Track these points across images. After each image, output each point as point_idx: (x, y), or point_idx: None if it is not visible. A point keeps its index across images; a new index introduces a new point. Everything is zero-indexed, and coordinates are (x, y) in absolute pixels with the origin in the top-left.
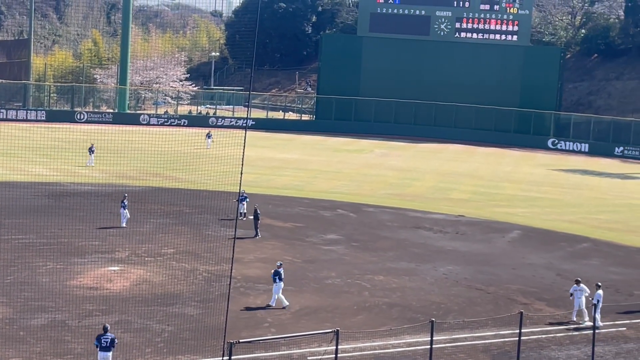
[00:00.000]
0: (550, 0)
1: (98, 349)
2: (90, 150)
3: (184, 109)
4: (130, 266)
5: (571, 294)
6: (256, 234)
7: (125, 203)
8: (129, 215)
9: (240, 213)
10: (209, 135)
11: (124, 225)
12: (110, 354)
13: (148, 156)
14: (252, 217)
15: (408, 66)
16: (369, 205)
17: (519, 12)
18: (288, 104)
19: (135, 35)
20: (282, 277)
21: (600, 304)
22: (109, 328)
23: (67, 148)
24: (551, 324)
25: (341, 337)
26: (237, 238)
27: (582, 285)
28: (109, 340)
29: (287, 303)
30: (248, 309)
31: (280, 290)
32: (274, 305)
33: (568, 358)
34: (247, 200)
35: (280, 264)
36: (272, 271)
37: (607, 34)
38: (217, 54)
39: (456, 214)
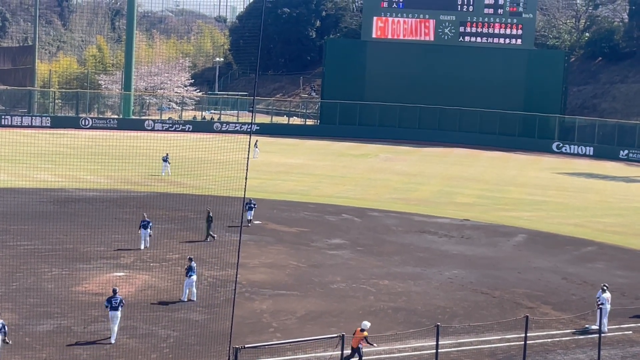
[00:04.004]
0: (554, 4)
1: (109, 309)
2: (165, 160)
3: (188, 115)
4: (136, 272)
5: (601, 304)
6: (211, 237)
7: (148, 222)
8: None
9: (247, 220)
10: (255, 145)
11: (142, 247)
12: (119, 312)
13: (153, 162)
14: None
15: (412, 70)
16: (374, 209)
17: (523, 15)
18: (292, 109)
19: (140, 41)
20: (195, 271)
21: (608, 308)
22: (117, 290)
23: (72, 154)
24: (557, 327)
25: (347, 341)
26: (242, 243)
27: (608, 293)
28: (118, 300)
29: (195, 300)
30: (253, 314)
31: (194, 284)
32: (185, 299)
33: None
34: (255, 207)
35: (191, 259)
36: (186, 267)
37: (611, 37)
38: (221, 59)
39: (461, 218)
